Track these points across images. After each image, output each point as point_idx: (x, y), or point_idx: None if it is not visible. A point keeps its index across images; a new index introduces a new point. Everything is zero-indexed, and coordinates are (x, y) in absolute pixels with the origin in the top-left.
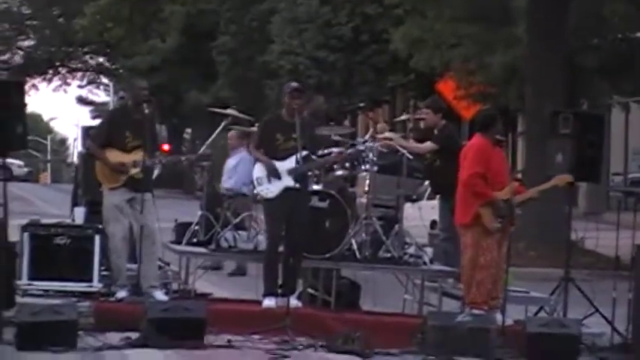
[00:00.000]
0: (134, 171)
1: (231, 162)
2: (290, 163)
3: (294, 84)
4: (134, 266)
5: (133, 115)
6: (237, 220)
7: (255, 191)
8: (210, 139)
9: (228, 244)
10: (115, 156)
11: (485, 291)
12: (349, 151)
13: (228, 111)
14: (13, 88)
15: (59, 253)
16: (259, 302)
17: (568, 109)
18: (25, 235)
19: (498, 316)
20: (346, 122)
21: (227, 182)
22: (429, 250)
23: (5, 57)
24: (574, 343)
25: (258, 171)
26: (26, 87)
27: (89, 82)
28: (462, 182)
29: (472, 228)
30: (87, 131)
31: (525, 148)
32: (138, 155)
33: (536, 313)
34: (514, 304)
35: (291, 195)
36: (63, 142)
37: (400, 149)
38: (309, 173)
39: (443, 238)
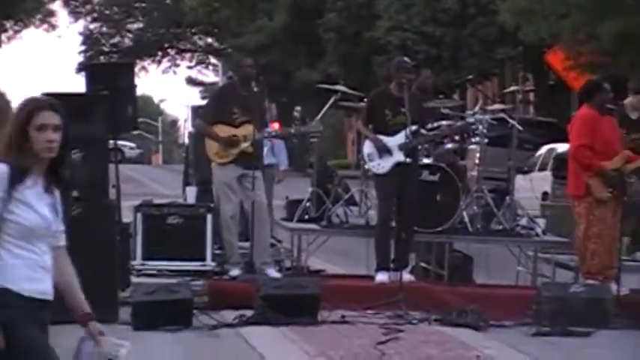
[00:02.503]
0: (245, 145)
1: None
2: (400, 138)
3: (407, 59)
4: (246, 244)
5: (240, 92)
6: (348, 195)
7: (365, 167)
8: (319, 115)
9: (340, 220)
10: (224, 131)
11: (600, 261)
12: (459, 123)
13: (338, 87)
14: (123, 71)
15: (172, 232)
16: (372, 277)
17: None
18: (139, 215)
19: (613, 286)
20: (455, 96)
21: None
22: (542, 222)
23: (115, 40)
24: None
25: (369, 147)
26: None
27: (198, 63)
28: (570, 155)
29: (584, 199)
30: (196, 111)
31: None
32: (247, 130)
33: None
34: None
35: (402, 170)
36: (174, 123)
37: (511, 121)
38: (420, 147)
39: None
